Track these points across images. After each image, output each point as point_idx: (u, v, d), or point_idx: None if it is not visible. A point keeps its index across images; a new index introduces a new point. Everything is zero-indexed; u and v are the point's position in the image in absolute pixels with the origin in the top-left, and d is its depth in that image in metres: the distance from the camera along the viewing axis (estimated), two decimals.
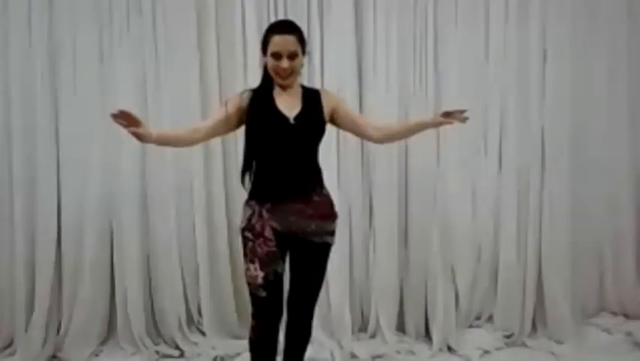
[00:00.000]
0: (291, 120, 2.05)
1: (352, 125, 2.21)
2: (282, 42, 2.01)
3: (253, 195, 2.11)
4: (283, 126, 2.04)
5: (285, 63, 2.02)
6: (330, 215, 2.17)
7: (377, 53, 2.93)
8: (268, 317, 2.11)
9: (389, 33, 2.94)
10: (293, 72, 2.07)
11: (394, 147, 2.97)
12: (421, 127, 2.17)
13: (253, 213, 2.08)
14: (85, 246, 2.87)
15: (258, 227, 2.07)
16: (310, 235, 2.12)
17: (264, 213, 2.07)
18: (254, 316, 2.12)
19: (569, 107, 3.05)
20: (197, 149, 2.91)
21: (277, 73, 2.05)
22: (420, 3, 2.96)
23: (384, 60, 2.93)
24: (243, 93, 2.14)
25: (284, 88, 2.11)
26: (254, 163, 2.11)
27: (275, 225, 2.07)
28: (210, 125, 2.09)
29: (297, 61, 2.05)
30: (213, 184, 2.98)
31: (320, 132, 2.13)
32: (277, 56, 2.02)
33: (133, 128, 1.88)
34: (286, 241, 2.12)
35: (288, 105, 2.08)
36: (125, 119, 1.88)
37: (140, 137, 1.91)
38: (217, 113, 2.13)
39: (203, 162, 2.94)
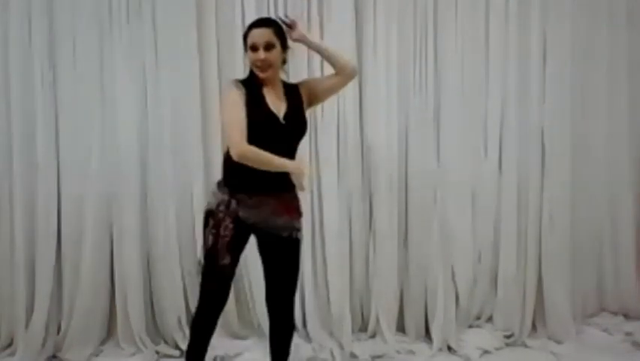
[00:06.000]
0: (281, 120, 2.12)
1: (328, 88, 2.29)
2: (257, 34, 2.11)
3: (227, 183, 2.16)
4: (274, 125, 2.11)
5: (261, 54, 2.09)
6: (298, 212, 2.22)
7: (377, 53, 2.93)
8: (214, 305, 2.21)
9: (389, 33, 2.93)
10: (271, 65, 2.12)
11: (395, 148, 2.97)
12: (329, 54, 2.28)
13: (223, 200, 2.14)
14: (85, 246, 2.86)
15: (221, 215, 2.12)
16: (277, 229, 2.16)
17: (233, 204, 2.12)
18: (200, 300, 2.22)
19: (569, 107, 3.05)
20: (198, 149, 2.92)
21: (256, 65, 2.12)
22: (420, 3, 2.96)
23: (384, 60, 2.93)
24: (236, 86, 2.13)
25: (267, 84, 2.16)
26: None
27: (242, 215, 2.12)
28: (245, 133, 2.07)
29: (274, 52, 2.11)
30: (213, 184, 2.96)
31: (304, 130, 2.21)
32: (254, 48, 2.10)
33: None
34: (249, 232, 2.19)
35: (276, 103, 2.15)
36: None
37: None
38: (242, 118, 2.06)
39: (203, 162, 2.94)
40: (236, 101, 2.07)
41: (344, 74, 2.26)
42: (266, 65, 2.11)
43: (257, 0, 2.87)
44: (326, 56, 2.28)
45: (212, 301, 2.22)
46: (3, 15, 2.76)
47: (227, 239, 2.12)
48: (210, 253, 2.14)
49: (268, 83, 2.16)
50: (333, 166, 2.94)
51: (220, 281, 2.19)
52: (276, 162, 2.06)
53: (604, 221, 3.27)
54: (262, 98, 2.13)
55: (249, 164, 2.05)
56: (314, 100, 2.30)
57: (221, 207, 2.13)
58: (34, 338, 2.79)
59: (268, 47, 2.09)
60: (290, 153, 2.16)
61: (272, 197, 2.14)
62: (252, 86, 2.15)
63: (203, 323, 2.24)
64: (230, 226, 2.12)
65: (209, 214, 2.17)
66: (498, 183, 3.08)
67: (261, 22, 2.16)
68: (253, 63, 2.13)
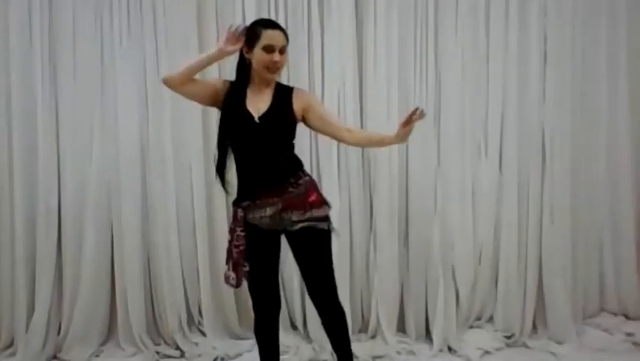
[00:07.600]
0: (256, 119, 2.11)
1: (324, 125, 2.25)
2: (276, 36, 2.10)
3: (235, 197, 2.20)
4: (248, 125, 2.10)
5: (277, 56, 2.09)
6: (310, 202, 2.17)
7: (377, 54, 2.93)
8: (262, 312, 2.25)
9: (389, 33, 2.93)
10: (280, 68, 2.14)
11: (395, 147, 2.97)
12: (386, 143, 2.30)
13: (233, 214, 2.19)
14: (85, 246, 2.87)
15: (234, 228, 2.17)
16: (295, 223, 2.15)
17: (239, 214, 2.15)
18: (253, 310, 2.27)
19: (569, 107, 3.04)
20: (198, 148, 2.92)
21: (267, 67, 2.11)
22: (420, 3, 2.96)
23: (385, 61, 2.93)
24: (225, 82, 2.21)
25: (261, 83, 2.16)
26: (227, 160, 2.18)
27: (253, 221, 2.15)
28: (196, 84, 2.13)
29: (285, 56, 2.14)
30: (214, 184, 2.96)
31: (287, 129, 2.17)
32: (270, 49, 2.09)
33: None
34: (275, 236, 2.21)
35: (257, 103, 2.14)
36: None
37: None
38: (208, 81, 2.23)
39: (204, 162, 2.94)
40: (211, 79, 2.22)
41: (350, 140, 2.27)
42: (277, 68, 2.12)
43: (257, 0, 2.88)
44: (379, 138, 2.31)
45: (257, 307, 2.25)
46: (3, 15, 2.77)
47: (241, 248, 2.15)
48: (236, 265, 2.17)
49: (264, 83, 2.17)
50: (333, 165, 2.94)
51: (252, 288, 2.23)
52: (195, 60, 2.09)
53: (604, 221, 3.27)
54: (243, 97, 2.14)
55: (178, 83, 2.07)
56: (307, 120, 2.24)
57: (232, 221, 2.19)
58: (35, 339, 2.80)
59: (283, 50, 2.11)
60: (275, 151, 2.13)
61: (276, 196, 2.13)
62: (239, 85, 2.16)
63: (258, 329, 2.27)
64: (242, 234, 2.15)
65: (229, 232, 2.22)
66: (498, 183, 3.08)
67: (277, 25, 2.17)
68: (264, 64, 2.10)
